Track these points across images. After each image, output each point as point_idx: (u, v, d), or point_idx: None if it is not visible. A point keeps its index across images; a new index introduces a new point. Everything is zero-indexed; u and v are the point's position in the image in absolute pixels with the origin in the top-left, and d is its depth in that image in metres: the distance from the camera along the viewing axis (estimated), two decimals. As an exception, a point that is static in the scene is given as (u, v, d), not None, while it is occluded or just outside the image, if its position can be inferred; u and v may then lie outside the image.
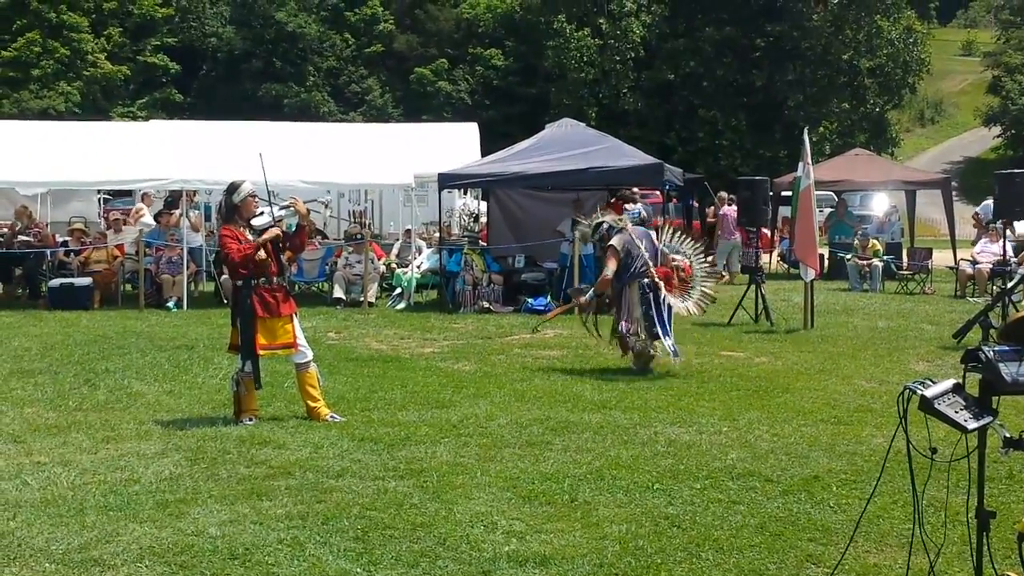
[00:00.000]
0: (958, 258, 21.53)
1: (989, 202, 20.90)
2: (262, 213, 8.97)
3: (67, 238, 20.27)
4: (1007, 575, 4.92)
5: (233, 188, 8.92)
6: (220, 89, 56.84)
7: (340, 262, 19.13)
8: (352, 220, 24.67)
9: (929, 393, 4.42)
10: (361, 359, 12.34)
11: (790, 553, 5.74)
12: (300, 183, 18.49)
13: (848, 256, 22.34)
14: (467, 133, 22.80)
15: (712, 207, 24.86)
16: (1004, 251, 17.23)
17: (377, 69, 61.39)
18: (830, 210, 27.23)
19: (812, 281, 15.57)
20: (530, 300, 17.56)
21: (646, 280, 11.73)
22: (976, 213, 22.20)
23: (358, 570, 5.50)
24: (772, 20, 51.22)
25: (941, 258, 23.02)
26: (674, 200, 22.23)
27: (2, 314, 16.92)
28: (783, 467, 7.45)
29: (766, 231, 23.94)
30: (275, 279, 8.88)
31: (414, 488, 6.93)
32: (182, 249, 18.48)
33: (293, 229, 9.15)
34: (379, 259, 19.89)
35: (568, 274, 17.46)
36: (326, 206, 17.17)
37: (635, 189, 19.27)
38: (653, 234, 12.36)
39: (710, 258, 13.91)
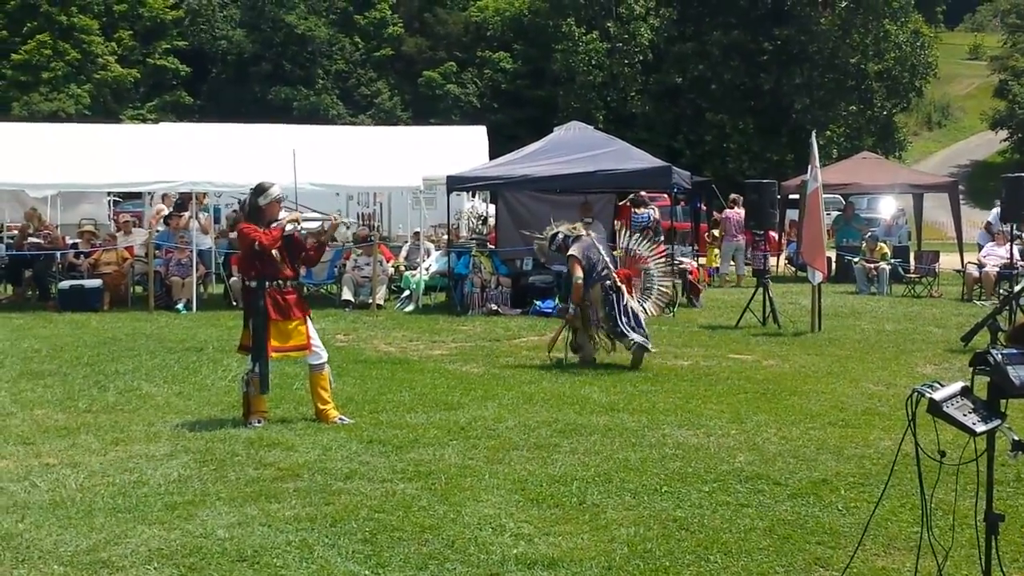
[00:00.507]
0: (965, 261, 21.50)
1: (998, 210, 20.90)
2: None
3: (77, 240, 20.31)
4: None
5: (261, 190, 8.89)
6: (229, 92, 56.99)
7: (349, 264, 19.14)
8: (361, 223, 24.70)
9: (938, 396, 4.42)
10: (369, 361, 12.35)
11: (798, 556, 5.74)
12: (309, 185, 18.52)
13: (855, 259, 22.32)
14: (475, 136, 22.83)
15: (723, 209, 24.86)
16: (1011, 255, 17.21)
17: (386, 72, 61.51)
18: (838, 213, 27.21)
19: (819, 284, 15.56)
20: (538, 302, 17.56)
21: (608, 282, 12.15)
22: (988, 223, 22.14)
23: (367, 572, 5.50)
24: (780, 24, 51.24)
25: (948, 261, 23.00)
26: (682, 203, 22.23)
27: (12, 316, 16.98)
28: (791, 470, 7.45)
29: (773, 234, 23.95)
30: (288, 282, 8.89)
31: (422, 490, 6.93)
32: (191, 251, 18.50)
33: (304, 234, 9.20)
34: (388, 261, 19.92)
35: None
36: (348, 227, 17.29)
37: (643, 192, 19.31)
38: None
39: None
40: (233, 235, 20.05)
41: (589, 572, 5.51)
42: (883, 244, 22.56)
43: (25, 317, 16.82)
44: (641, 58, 52.42)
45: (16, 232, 21.01)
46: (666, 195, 20.08)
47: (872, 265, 21.73)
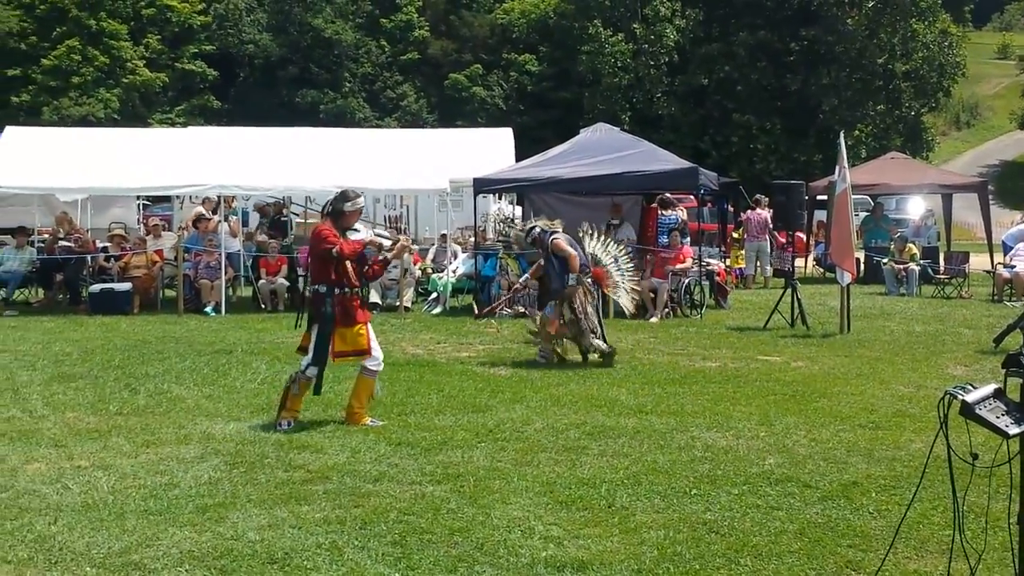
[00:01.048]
0: (995, 262, 21.35)
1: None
2: (357, 231, 9.34)
3: (107, 244, 20.44)
4: None
5: (348, 196, 9.14)
6: (257, 95, 57.24)
7: (376, 267, 19.15)
8: (388, 225, 24.76)
9: (970, 398, 4.39)
10: (397, 363, 12.34)
11: (829, 559, 5.71)
12: (336, 189, 18.53)
13: (884, 260, 22.21)
14: (502, 138, 22.85)
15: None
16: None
17: (412, 75, 61.64)
18: (866, 214, 27.07)
19: (848, 285, 15.51)
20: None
21: (589, 279, 12.54)
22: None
23: (396, 575, 5.51)
24: (806, 24, 51.00)
25: (978, 262, 22.84)
26: (709, 204, 22.18)
27: (43, 319, 17.11)
28: (821, 472, 7.42)
29: (801, 235, 23.86)
30: (354, 289, 9.04)
31: (451, 493, 6.94)
32: (220, 254, 18.60)
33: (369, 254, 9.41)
34: (415, 264, 19.96)
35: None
36: (410, 252, 17.51)
37: (667, 194, 19.27)
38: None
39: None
40: (262, 238, 20.18)
41: (618, 575, 5.50)
42: (912, 245, 22.43)
43: (56, 320, 16.95)
44: (667, 59, 52.29)
45: (47, 236, 21.18)
46: (693, 196, 20.04)
47: (901, 266, 21.62)
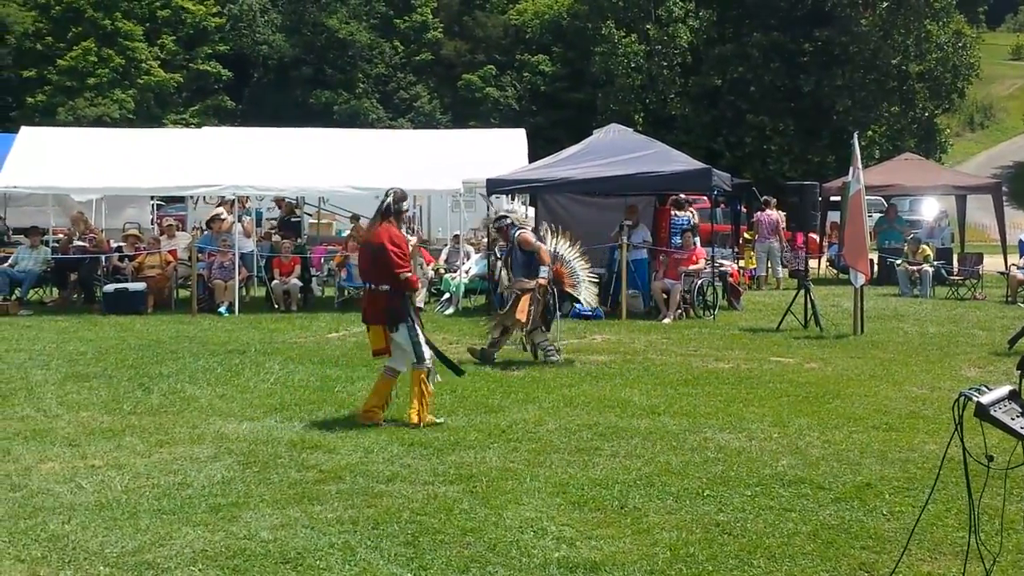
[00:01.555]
0: (1009, 263, 21.28)
1: None
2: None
3: (121, 244, 20.49)
4: None
5: (403, 196, 9.55)
6: (271, 96, 57.37)
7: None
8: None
9: (985, 400, 4.38)
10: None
11: (843, 561, 5.70)
12: (349, 189, 18.66)
13: (898, 261, 22.15)
14: (515, 139, 22.81)
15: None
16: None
17: (425, 76, 61.72)
18: (879, 215, 27.01)
19: (862, 286, 15.47)
20: (578, 305, 17.50)
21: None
22: None
23: (409, 575, 5.52)
24: (820, 25, 50.82)
25: (992, 263, 22.76)
26: (722, 205, 22.13)
27: (58, 319, 17.16)
28: (835, 474, 7.40)
29: (813, 236, 23.80)
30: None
31: (464, 493, 6.95)
32: (234, 254, 18.62)
33: None
34: (428, 264, 19.97)
35: (616, 279, 17.43)
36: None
37: (682, 195, 19.23)
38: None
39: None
40: (276, 238, 20.20)
41: (631, 576, 5.50)
42: (926, 246, 22.37)
43: (70, 320, 17.00)
44: (680, 60, 52.20)
45: (62, 236, 21.24)
46: (706, 197, 19.99)
47: (915, 267, 21.55)
